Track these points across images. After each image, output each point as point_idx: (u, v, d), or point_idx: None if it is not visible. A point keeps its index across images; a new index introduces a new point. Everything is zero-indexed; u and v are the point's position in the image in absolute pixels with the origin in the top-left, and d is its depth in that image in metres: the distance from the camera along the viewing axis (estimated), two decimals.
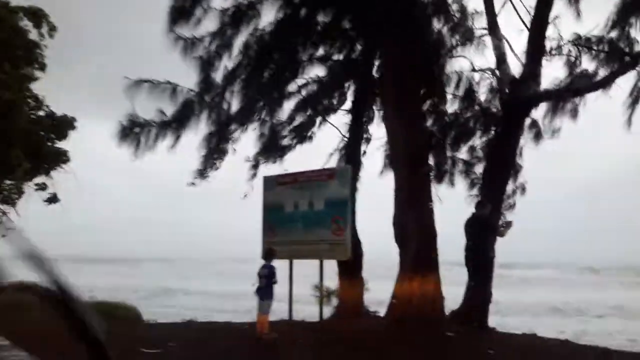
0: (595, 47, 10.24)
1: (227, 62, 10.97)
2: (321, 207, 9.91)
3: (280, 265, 9.43)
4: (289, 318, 10.01)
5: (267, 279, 8.48)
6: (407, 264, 9.58)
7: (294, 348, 7.81)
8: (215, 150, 11.70)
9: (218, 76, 11.01)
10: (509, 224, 9.63)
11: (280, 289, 8.87)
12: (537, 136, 11.06)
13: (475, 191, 10.84)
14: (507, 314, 19.49)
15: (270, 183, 10.90)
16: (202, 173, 11.52)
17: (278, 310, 10.22)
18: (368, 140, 11.63)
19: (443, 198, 10.50)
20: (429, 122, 10.62)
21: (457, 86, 10.88)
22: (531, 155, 11.19)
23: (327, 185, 9.89)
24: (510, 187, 10.80)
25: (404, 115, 9.71)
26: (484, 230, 9.41)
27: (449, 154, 11.14)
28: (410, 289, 9.41)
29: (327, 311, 10.59)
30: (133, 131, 10.67)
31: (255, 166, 11.74)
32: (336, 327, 9.65)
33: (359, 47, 11.38)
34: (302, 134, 11.64)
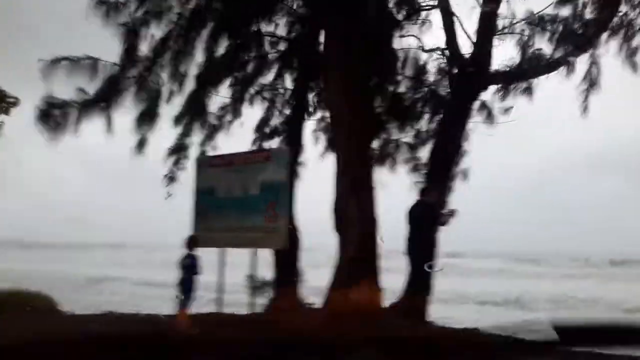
0: (549, 27, 9.78)
1: (155, 31, 10.06)
2: (256, 192, 9.11)
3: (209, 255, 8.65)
4: (218, 311, 9.20)
5: (188, 270, 7.65)
6: (346, 254, 8.92)
7: (211, 345, 6.99)
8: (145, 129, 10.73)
9: (146, 47, 10.12)
10: (452, 212, 9.04)
11: (210, 280, 8.12)
12: (488, 120, 10.56)
13: (420, 177, 10.22)
14: (452, 304, 19.32)
15: (204, 165, 10.05)
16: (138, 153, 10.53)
17: (207, 303, 9.47)
18: (312, 121, 10.88)
19: (388, 183, 9.88)
20: (375, 103, 9.90)
21: (405, 66, 10.20)
22: (485, 141, 10.68)
23: (263, 168, 9.09)
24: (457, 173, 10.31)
25: (348, 95, 8.96)
26: (427, 218, 8.80)
27: (394, 136, 10.49)
28: (348, 280, 8.76)
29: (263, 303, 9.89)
30: (52, 114, 9.67)
31: (183, 148, 10.80)
32: (267, 320, 8.89)
33: (302, 20, 10.57)
34: (238, 112, 10.78)
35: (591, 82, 9.89)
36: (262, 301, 9.86)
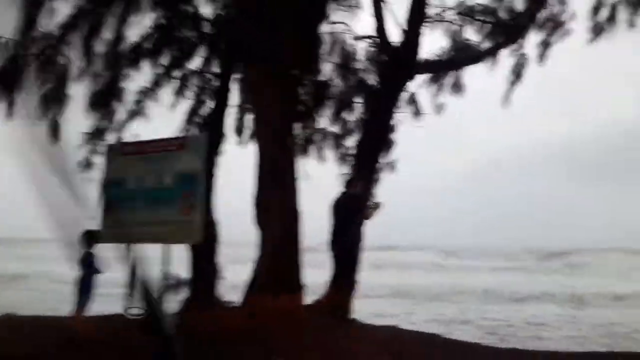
0: (479, 17, 9.59)
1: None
2: (170, 182, 8.39)
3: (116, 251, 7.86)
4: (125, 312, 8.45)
5: (87, 268, 6.90)
6: (267, 249, 8.40)
7: (108, 349, 6.34)
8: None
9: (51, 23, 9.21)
10: (377, 205, 8.69)
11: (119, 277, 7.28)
12: (417, 112, 10.29)
13: (347, 168, 9.82)
14: (380, 299, 19.19)
15: (113, 153, 9.20)
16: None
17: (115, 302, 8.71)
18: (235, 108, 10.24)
19: (315, 175, 9.41)
20: (299, 91, 9.39)
21: (332, 52, 9.74)
22: (421, 135, 10.42)
23: (178, 157, 8.35)
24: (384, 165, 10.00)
25: (270, 81, 8.38)
26: (351, 210, 8.41)
27: (320, 126, 10.03)
28: (268, 276, 8.26)
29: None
30: None
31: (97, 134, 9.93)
32: (180, 321, 8.22)
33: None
34: (157, 97, 10.01)
35: (518, 74, 9.79)
36: (176, 300, 9.18)
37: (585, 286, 22.08)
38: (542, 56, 9.61)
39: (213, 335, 7.42)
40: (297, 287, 8.46)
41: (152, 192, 8.54)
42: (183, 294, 9.52)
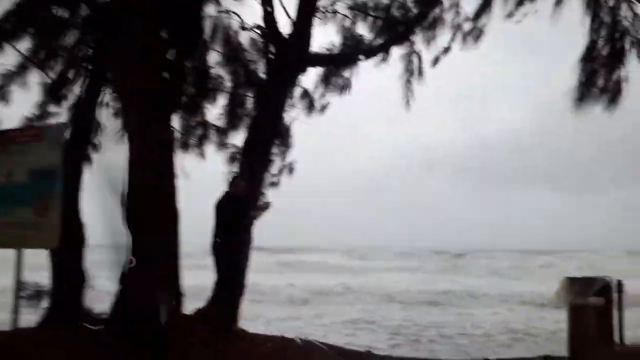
0: (371, 13, 9.32)
1: None
2: (24, 179, 7.37)
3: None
4: None
5: None
6: (138, 252, 7.57)
7: None
8: None
9: None
10: (266, 206, 8.13)
11: None
12: (310, 108, 9.85)
13: (234, 166, 9.17)
14: (283, 303, 18.72)
15: None
16: None
17: None
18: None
19: (198, 173, 8.70)
20: (179, 81, 8.59)
21: (215, 41, 9.03)
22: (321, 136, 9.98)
23: (34, 150, 7.37)
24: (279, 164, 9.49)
25: (145, 70, 7.55)
26: (237, 212, 7.78)
27: (205, 120, 9.26)
28: (140, 283, 7.43)
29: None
30: None
31: None
32: (34, 337, 7.20)
33: None
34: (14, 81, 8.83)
35: (411, 74, 9.62)
36: (35, 313, 8.12)
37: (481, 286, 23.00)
38: (435, 59, 9.50)
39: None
40: (173, 293, 7.73)
41: (4, 190, 7.50)
42: (43, 304, 8.46)
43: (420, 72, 9.52)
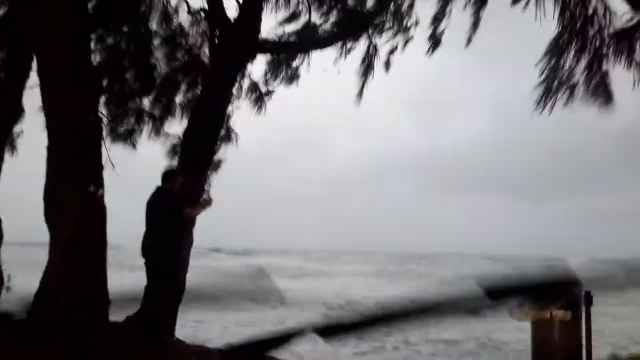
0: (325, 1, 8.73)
1: None
2: None
3: None
4: None
5: None
6: (59, 250, 6.78)
7: None
8: None
9: None
10: (206, 203, 7.40)
11: None
12: (258, 100, 9.18)
13: (173, 160, 8.41)
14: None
15: None
16: None
17: None
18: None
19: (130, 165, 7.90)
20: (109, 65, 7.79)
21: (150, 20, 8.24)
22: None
23: None
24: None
25: (69, 53, 6.70)
26: (171, 209, 7.04)
27: (140, 108, 8.44)
28: (61, 283, 6.65)
29: None
30: None
31: None
32: None
33: None
34: None
35: (368, 68, 9.07)
36: None
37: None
38: (387, 61, 9.02)
39: None
40: (98, 299, 6.95)
41: None
42: None
43: (373, 68, 8.98)
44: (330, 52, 8.73)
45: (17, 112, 8.07)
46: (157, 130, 8.51)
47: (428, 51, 8.53)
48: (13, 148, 8.21)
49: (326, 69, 8.94)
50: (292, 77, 8.84)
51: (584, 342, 4.87)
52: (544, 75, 7.05)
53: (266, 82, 9.17)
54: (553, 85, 6.74)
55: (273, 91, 8.95)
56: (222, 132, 8.50)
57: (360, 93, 8.97)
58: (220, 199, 7.81)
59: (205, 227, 7.86)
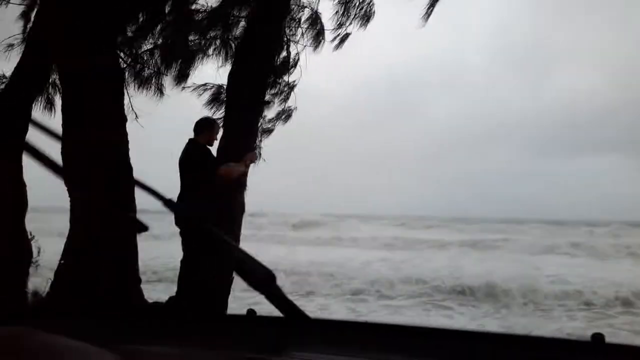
0: None
1: None
2: None
3: None
4: None
5: None
6: (82, 219, 5.80)
7: None
8: None
9: None
10: (250, 158, 5.99)
11: None
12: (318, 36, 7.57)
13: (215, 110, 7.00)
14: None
15: None
16: None
17: None
18: None
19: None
20: None
21: None
22: None
23: None
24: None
25: None
26: (203, 165, 5.73)
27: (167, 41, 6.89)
28: (83, 259, 5.68)
29: None
30: None
31: None
32: None
33: None
34: None
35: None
36: None
37: None
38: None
39: None
40: (127, 277, 5.88)
41: None
42: None
43: None
44: None
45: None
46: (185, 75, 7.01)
47: None
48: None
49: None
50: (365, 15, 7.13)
51: None
52: None
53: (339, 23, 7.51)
54: None
55: (348, 34, 7.28)
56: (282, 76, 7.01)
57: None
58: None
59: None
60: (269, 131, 7.23)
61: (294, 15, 7.15)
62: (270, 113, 7.34)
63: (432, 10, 6.49)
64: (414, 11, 6.55)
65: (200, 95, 6.79)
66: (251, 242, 11.98)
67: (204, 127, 5.78)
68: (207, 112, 6.81)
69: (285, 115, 7.45)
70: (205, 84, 6.78)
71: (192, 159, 5.59)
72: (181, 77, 7.01)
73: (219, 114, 6.84)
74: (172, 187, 5.95)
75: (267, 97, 7.03)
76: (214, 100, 6.80)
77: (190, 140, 5.72)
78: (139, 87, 6.86)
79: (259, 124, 6.83)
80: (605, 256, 20.49)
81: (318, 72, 7.30)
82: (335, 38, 7.61)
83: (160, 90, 7.02)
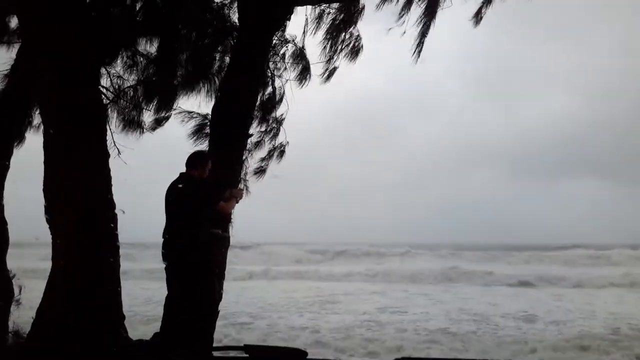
0: None
1: None
2: None
3: None
4: None
5: None
6: (63, 254, 5.67)
7: None
8: None
9: None
10: (238, 193, 5.96)
11: None
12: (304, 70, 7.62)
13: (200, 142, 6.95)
14: None
15: None
16: None
17: None
18: None
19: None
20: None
21: None
22: None
23: None
24: None
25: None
26: (202, 200, 5.65)
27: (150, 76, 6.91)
28: (66, 294, 5.55)
29: None
30: None
31: None
32: None
33: None
34: None
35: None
36: None
37: None
38: None
39: None
40: (113, 302, 5.77)
41: None
42: None
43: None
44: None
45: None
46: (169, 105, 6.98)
47: None
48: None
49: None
50: (355, 51, 7.22)
51: None
52: None
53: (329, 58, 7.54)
54: None
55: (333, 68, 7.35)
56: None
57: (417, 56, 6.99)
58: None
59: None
60: (261, 171, 7.20)
61: (277, 51, 7.19)
62: (262, 152, 7.32)
63: (422, 48, 6.50)
64: (391, 40, 6.58)
65: (185, 122, 6.76)
66: None
67: (199, 160, 5.70)
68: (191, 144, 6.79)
69: (278, 152, 7.44)
70: (191, 112, 6.75)
71: (189, 193, 5.49)
72: (164, 112, 7.01)
73: (202, 146, 6.81)
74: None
75: (251, 131, 7.01)
76: (198, 132, 6.78)
77: (182, 174, 5.64)
78: (122, 125, 6.81)
79: (244, 157, 6.80)
80: None
81: (299, 102, 7.27)
82: (324, 72, 7.62)
83: (141, 127, 6.97)
